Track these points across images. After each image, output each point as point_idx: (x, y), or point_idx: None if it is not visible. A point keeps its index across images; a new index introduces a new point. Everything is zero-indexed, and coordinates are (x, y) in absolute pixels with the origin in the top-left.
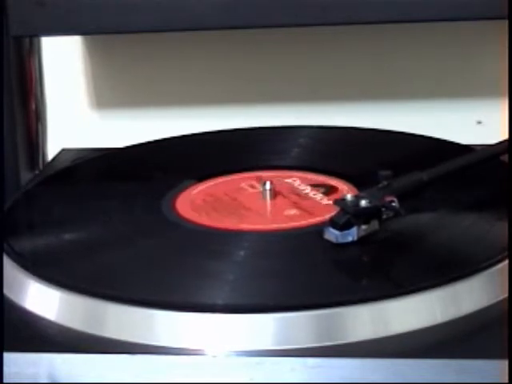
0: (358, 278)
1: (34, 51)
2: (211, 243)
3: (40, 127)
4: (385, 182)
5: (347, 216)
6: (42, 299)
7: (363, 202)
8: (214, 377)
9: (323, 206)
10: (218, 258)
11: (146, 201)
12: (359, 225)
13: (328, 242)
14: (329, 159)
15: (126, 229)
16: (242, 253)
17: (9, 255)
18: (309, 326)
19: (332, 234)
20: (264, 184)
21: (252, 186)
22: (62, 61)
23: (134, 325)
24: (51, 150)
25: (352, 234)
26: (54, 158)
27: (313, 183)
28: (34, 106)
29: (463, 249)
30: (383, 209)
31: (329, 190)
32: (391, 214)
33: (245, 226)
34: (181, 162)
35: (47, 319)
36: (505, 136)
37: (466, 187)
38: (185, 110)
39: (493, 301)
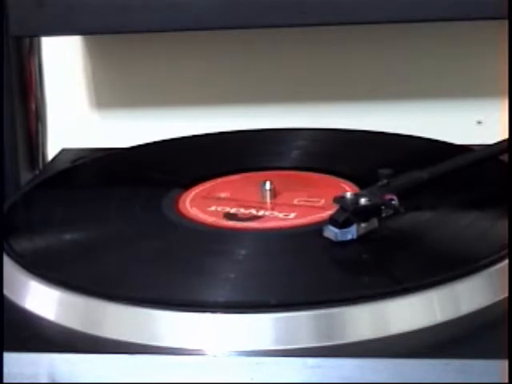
0: (358, 276)
1: (34, 51)
2: (211, 242)
3: (40, 127)
4: (384, 180)
5: (346, 214)
6: (41, 299)
7: (363, 200)
8: (214, 377)
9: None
10: (217, 256)
11: (146, 201)
12: (359, 223)
13: (327, 240)
14: (329, 160)
15: (126, 228)
16: (242, 252)
17: (9, 255)
18: (309, 325)
19: (331, 232)
20: (264, 184)
21: (252, 187)
22: (62, 61)
23: (133, 325)
24: (51, 150)
25: (351, 232)
26: (54, 158)
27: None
28: (34, 106)
29: (463, 248)
30: (383, 207)
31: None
32: (391, 212)
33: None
34: (180, 163)
35: (47, 319)
36: (505, 136)
37: (466, 187)
38: (185, 109)
39: (493, 301)
